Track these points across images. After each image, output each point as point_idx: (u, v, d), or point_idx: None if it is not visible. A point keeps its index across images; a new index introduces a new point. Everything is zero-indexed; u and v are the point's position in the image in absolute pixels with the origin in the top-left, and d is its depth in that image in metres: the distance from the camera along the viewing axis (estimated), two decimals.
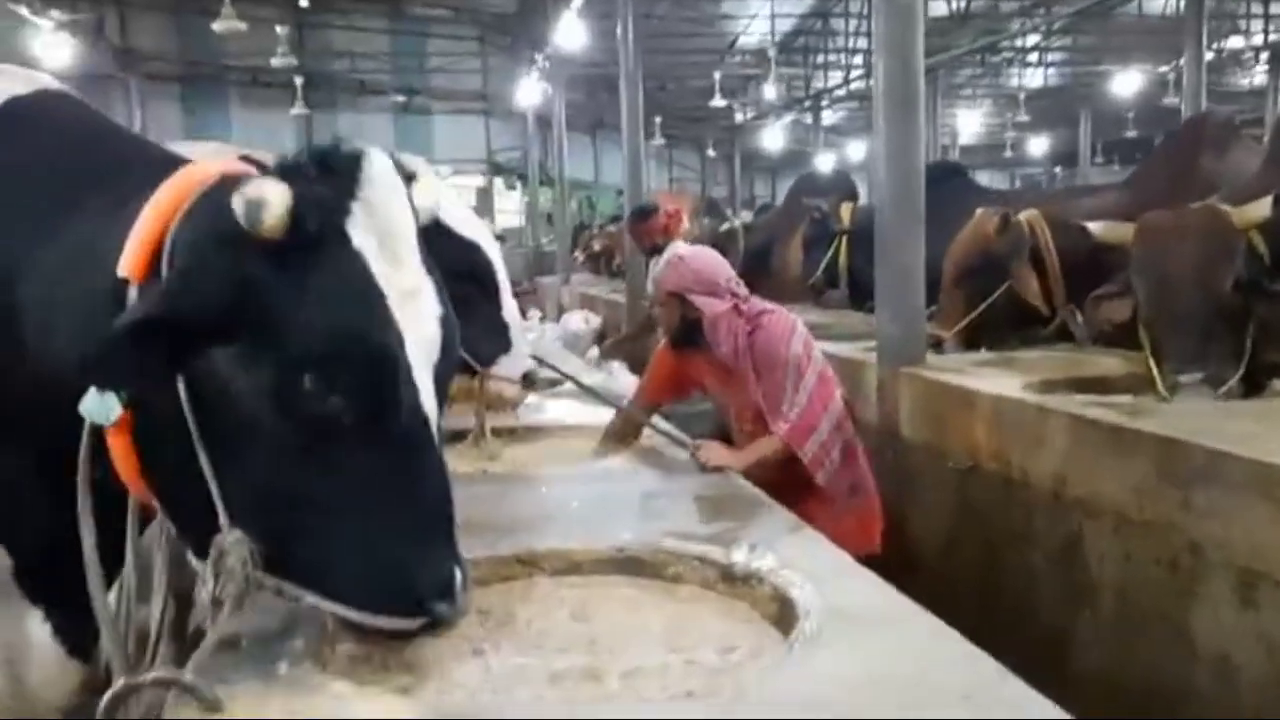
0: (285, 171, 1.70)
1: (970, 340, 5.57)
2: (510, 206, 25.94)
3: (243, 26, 14.47)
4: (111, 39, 19.07)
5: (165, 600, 1.93)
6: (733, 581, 2.36)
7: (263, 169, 1.84)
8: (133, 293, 1.72)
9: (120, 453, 1.75)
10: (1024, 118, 27.15)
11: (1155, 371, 4.05)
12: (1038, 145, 33.72)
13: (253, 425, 1.69)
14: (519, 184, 25.04)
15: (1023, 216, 5.55)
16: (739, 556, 2.41)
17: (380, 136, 23.87)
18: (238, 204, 1.62)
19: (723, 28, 24.17)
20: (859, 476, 3.58)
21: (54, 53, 15.48)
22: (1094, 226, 4.90)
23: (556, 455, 3.81)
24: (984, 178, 37.42)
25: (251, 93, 21.85)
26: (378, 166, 1.75)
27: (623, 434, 3.76)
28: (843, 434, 3.53)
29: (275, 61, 18.11)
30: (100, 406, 1.68)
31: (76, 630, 2.00)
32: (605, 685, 1.88)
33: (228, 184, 1.71)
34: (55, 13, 15.38)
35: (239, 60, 20.43)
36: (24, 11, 14.60)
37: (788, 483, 3.50)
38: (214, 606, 1.71)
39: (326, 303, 1.67)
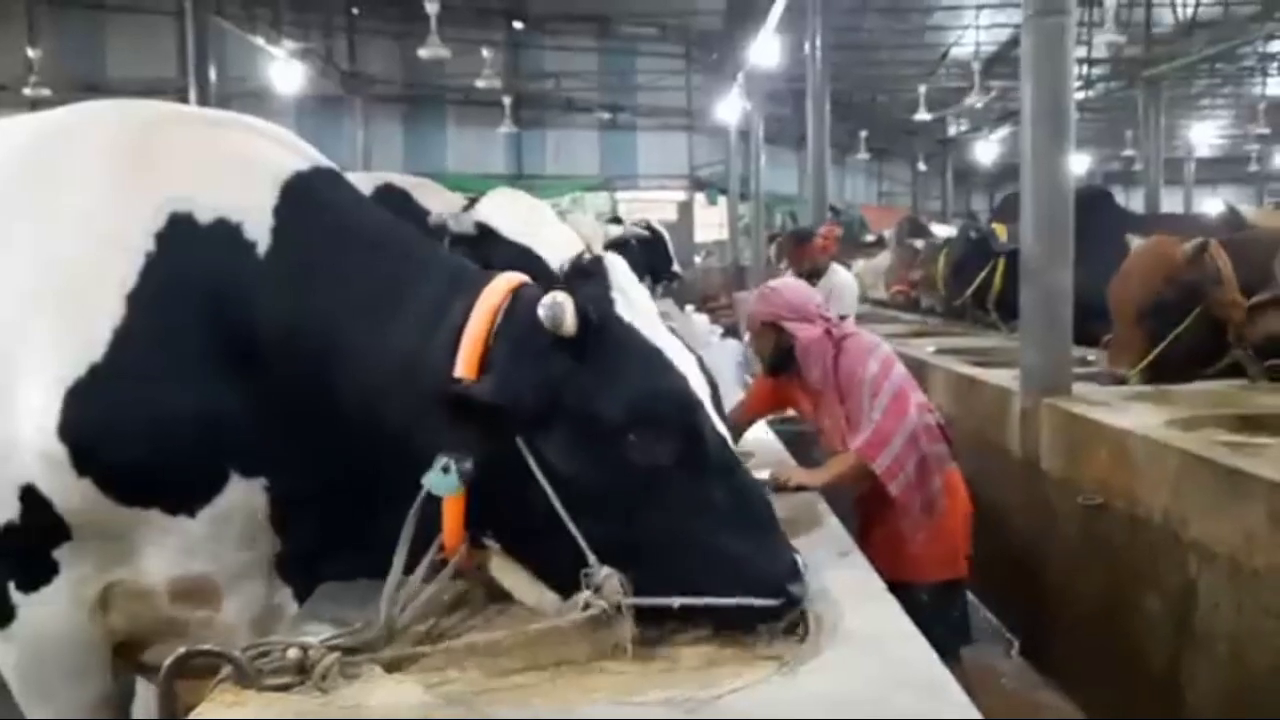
0: (566, 282, 2.16)
1: (1156, 376, 5.26)
2: (714, 220, 26.25)
3: (447, 53, 15.23)
4: (339, 64, 20.47)
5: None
6: None
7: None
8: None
9: (453, 517, 2.13)
10: (1264, 130, 25.30)
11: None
12: None
13: (600, 481, 2.09)
14: (720, 198, 25.29)
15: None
16: None
17: (585, 153, 24.68)
18: (543, 314, 2.05)
19: (935, 39, 23.69)
20: (933, 495, 3.53)
21: (287, 78, 16.89)
22: (1250, 211, 4.60)
23: None
24: (1228, 193, 34.84)
25: (466, 112, 22.99)
26: (615, 262, 2.27)
27: None
28: (919, 449, 3.48)
29: (480, 83, 19.01)
30: (443, 482, 2.07)
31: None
32: (592, 683, 2.03)
33: (524, 297, 2.21)
34: (288, 42, 16.71)
35: (455, 81, 21.51)
36: (260, 42, 15.94)
37: (873, 497, 3.57)
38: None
39: (630, 372, 2.12)
